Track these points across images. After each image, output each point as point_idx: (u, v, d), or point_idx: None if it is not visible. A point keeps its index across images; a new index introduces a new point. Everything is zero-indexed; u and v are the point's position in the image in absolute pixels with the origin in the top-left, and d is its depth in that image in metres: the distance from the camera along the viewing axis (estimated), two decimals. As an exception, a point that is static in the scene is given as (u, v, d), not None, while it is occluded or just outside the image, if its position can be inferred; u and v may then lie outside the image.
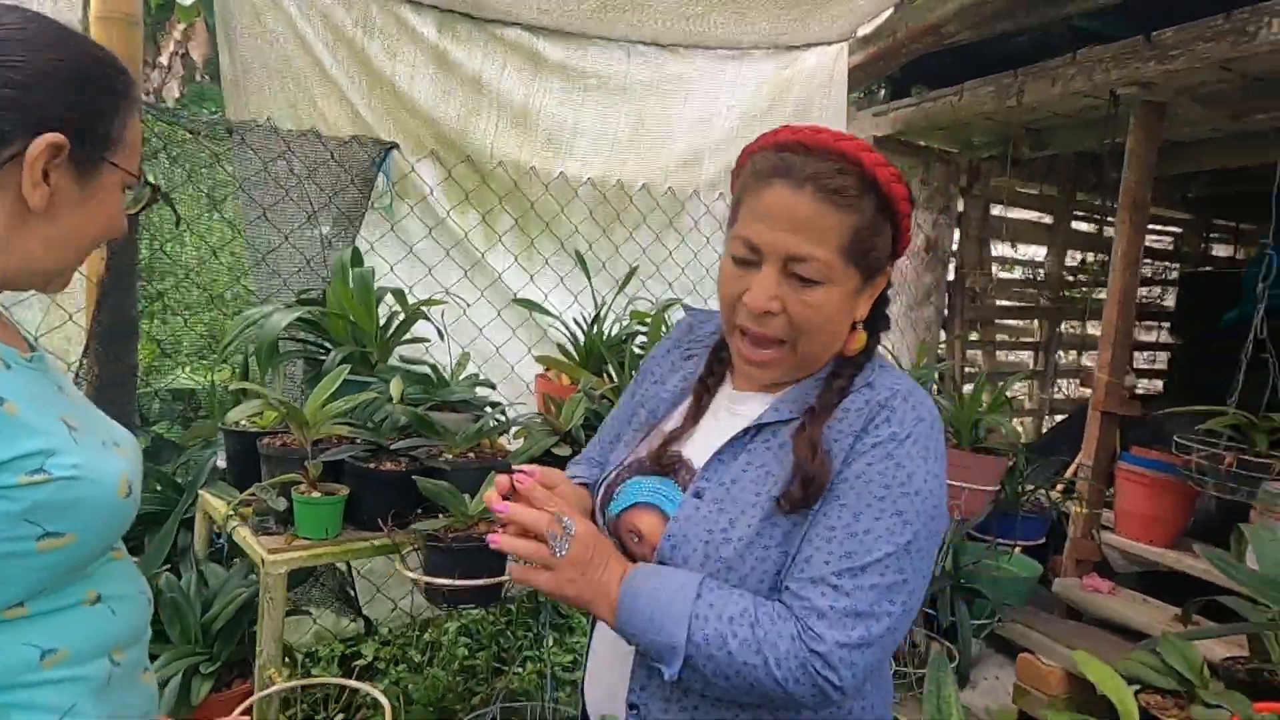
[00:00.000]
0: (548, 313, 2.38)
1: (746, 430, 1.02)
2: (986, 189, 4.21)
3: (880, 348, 1.10)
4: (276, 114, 2.15)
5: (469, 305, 2.52)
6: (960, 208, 4.17)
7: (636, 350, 2.34)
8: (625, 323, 2.43)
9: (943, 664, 0.89)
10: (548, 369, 2.32)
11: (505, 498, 0.97)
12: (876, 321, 1.06)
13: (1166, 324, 5.04)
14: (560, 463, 1.77)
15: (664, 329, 2.39)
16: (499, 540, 0.95)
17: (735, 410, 1.07)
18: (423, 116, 2.41)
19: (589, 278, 2.55)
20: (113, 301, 1.89)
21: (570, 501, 1.05)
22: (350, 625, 2.39)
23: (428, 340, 2.25)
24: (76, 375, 1.91)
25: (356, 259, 2.11)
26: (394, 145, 2.35)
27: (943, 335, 4.19)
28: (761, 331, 0.97)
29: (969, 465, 2.67)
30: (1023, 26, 3.28)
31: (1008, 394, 2.88)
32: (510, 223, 2.64)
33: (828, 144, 0.95)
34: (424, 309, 2.17)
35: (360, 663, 2.57)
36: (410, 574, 1.51)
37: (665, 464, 1.05)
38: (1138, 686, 1.27)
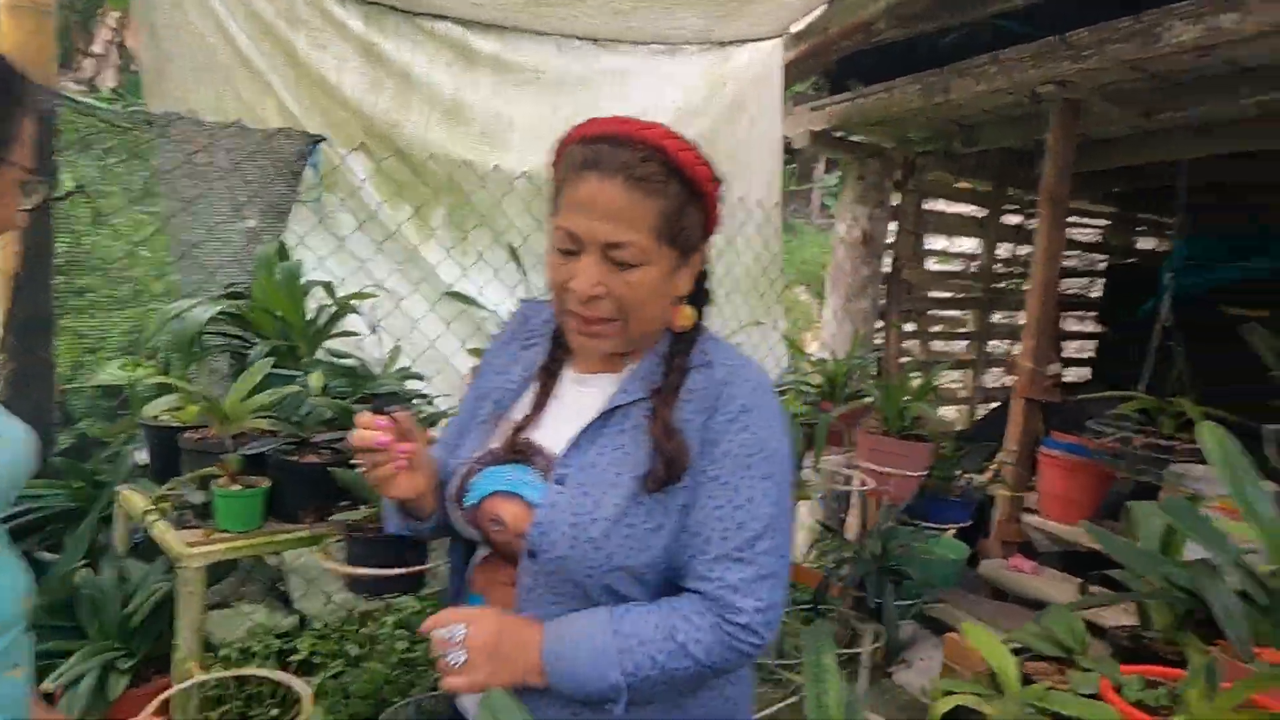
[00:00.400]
0: (480, 306, 2.40)
1: (600, 415, 1.06)
2: (921, 183, 4.32)
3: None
4: (200, 106, 2.13)
5: (402, 299, 2.52)
6: (895, 202, 4.27)
7: None
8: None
9: (825, 631, 0.94)
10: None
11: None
12: (699, 296, 1.12)
13: (1094, 314, 5.23)
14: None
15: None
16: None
17: (581, 393, 1.11)
18: (352, 109, 2.40)
19: (524, 271, 2.57)
20: (27, 296, 1.86)
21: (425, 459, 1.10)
22: (285, 621, 2.38)
23: (358, 334, 2.25)
24: (-9, 371, 1.87)
25: (283, 252, 2.10)
26: (322, 138, 2.34)
27: (880, 325, 4.29)
28: (591, 314, 1.01)
29: (897, 451, 2.75)
30: (949, 26, 3.37)
31: (940, 383, 2.98)
32: (444, 216, 2.64)
33: (633, 134, 1.00)
34: (354, 302, 2.17)
35: (296, 658, 2.56)
36: (331, 564, 1.52)
37: (519, 452, 1.08)
38: (1028, 654, 1.35)
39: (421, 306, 2.56)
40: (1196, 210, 4.74)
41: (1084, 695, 1.10)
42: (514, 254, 2.47)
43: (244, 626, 2.26)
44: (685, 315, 1.09)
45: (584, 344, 1.06)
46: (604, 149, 1.00)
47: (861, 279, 4.19)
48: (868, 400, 2.91)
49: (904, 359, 4.49)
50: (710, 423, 1.03)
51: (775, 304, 3.73)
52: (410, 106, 2.48)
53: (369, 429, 1.02)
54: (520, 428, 1.10)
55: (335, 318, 2.13)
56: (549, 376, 1.13)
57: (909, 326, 4.46)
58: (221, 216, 2.18)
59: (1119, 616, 2.11)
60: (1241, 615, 1.16)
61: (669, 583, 1.05)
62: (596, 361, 1.11)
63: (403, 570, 1.50)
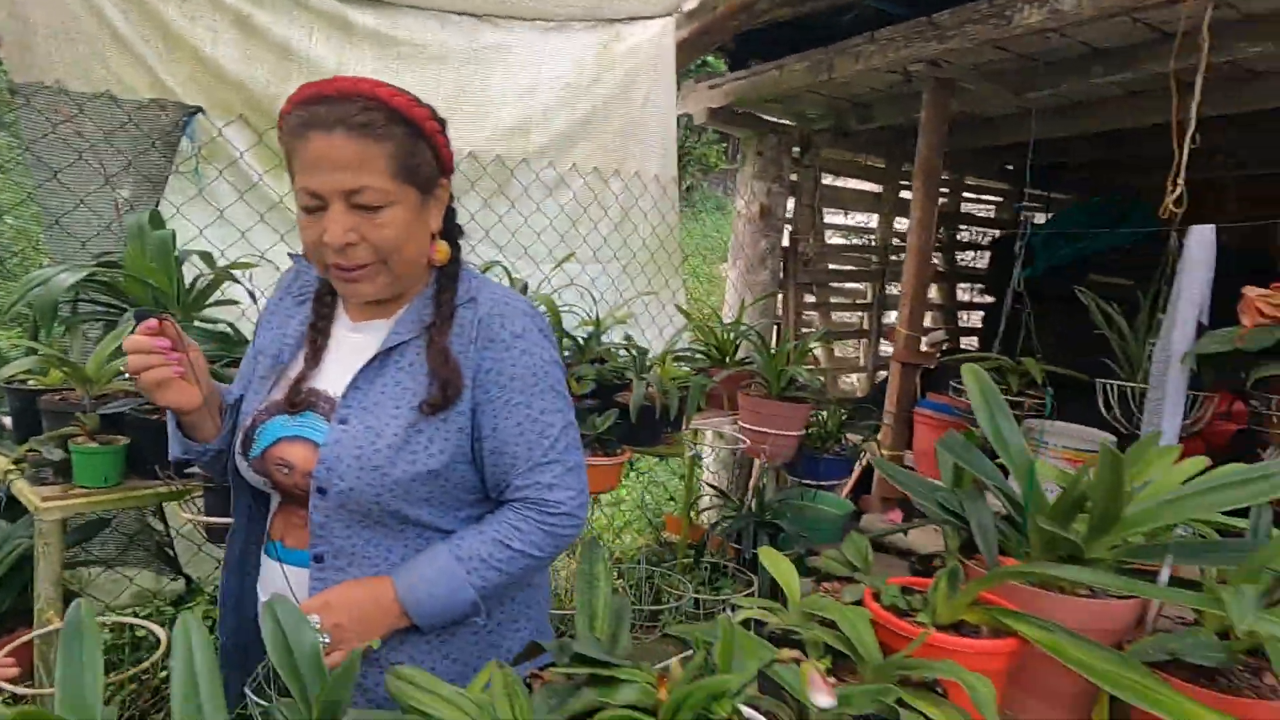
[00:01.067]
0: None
1: (376, 357, 1.16)
2: (818, 159, 4.48)
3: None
4: (65, 76, 2.14)
5: (282, 266, 2.56)
6: (794, 177, 4.42)
7: None
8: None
9: (595, 545, 1.06)
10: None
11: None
12: (452, 231, 1.23)
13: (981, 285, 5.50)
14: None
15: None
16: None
17: (357, 340, 1.21)
18: (229, 82, 2.43)
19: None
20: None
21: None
22: (171, 585, 2.43)
23: (239, 303, 2.30)
24: None
25: (156, 221, 2.13)
26: (198, 109, 2.36)
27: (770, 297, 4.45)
28: (349, 262, 1.11)
29: (776, 412, 2.91)
30: (835, 5, 3.51)
31: (840, 352, 3.13)
32: (329, 188, 2.69)
33: (345, 89, 1.08)
34: (235, 271, 2.22)
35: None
36: (188, 516, 1.60)
37: (301, 401, 1.17)
38: (824, 576, 1.50)
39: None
40: (1074, 185, 5.01)
41: (849, 603, 1.25)
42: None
43: (128, 590, 2.31)
44: (442, 250, 1.19)
45: (352, 292, 1.15)
46: (320, 109, 1.07)
47: (760, 251, 4.35)
48: (752, 366, 3.06)
49: (806, 329, 4.67)
50: (486, 354, 1.15)
51: (674, 275, 3.86)
52: (290, 79, 2.51)
53: (150, 330, 1.09)
54: (300, 379, 1.19)
55: (212, 286, 2.18)
56: (323, 328, 1.22)
57: (810, 298, 4.63)
58: (94, 186, 2.20)
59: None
60: (992, 530, 1.32)
61: (457, 501, 1.16)
62: (368, 309, 1.21)
63: (256, 519, 1.58)
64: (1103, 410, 2.53)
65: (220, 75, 2.41)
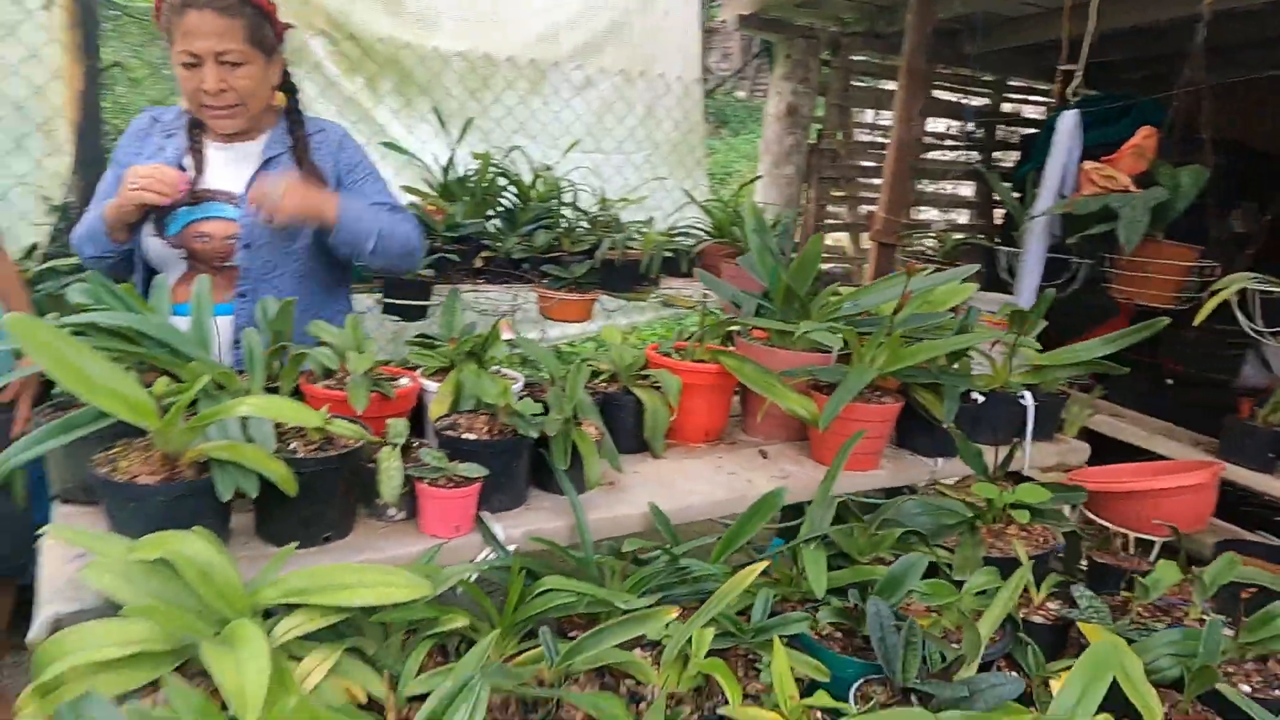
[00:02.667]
0: (405, 152, 3.23)
1: (266, 161, 1.83)
2: (847, 61, 4.84)
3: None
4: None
5: (357, 150, 3.37)
6: (823, 78, 4.81)
7: (484, 186, 3.18)
8: (471, 165, 3.27)
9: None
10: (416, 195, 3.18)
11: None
12: (287, 84, 1.90)
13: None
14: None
15: (492, 168, 3.22)
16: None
17: (228, 155, 1.84)
18: (312, 4, 3.20)
19: (446, 130, 3.38)
20: (86, 139, 2.79)
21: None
22: None
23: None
24: None
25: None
26: (289, 25, 3.15)
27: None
28: (220, 103, 1.75)
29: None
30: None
31: (858, 241, 3.55)
32: (392, 86, 3.46)
33: None
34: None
35: None
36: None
37: (202, 195, 1.81)
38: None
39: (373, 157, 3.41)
40: (1121, 84, 5.09)
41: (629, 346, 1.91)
42: (439, 115, 3.27)
43: None
44: (279, 97, 1.89)
45: (222, 124, 1.79)
46: None
47: (785, 148, 4.81)
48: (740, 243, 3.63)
49: (831, 221, 5.13)
50: (340, 161, 1.90)
51: (696, 167, 4.43)
52: (356, 1, 3.26)
53: (176, 175, 1.74)
54: (192, 182, 1.82)
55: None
56: (198, 149, 1.84)
57: (837, 193, 5.06)
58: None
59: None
60: (750, 303, 1.92)
61: (322, 243, 1.86)
62: (232, 136, 1.85)
63: None
64: (1002, 274, 2.98)
65: (307, 1, 3.19)
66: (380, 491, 1.22)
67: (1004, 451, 1.74)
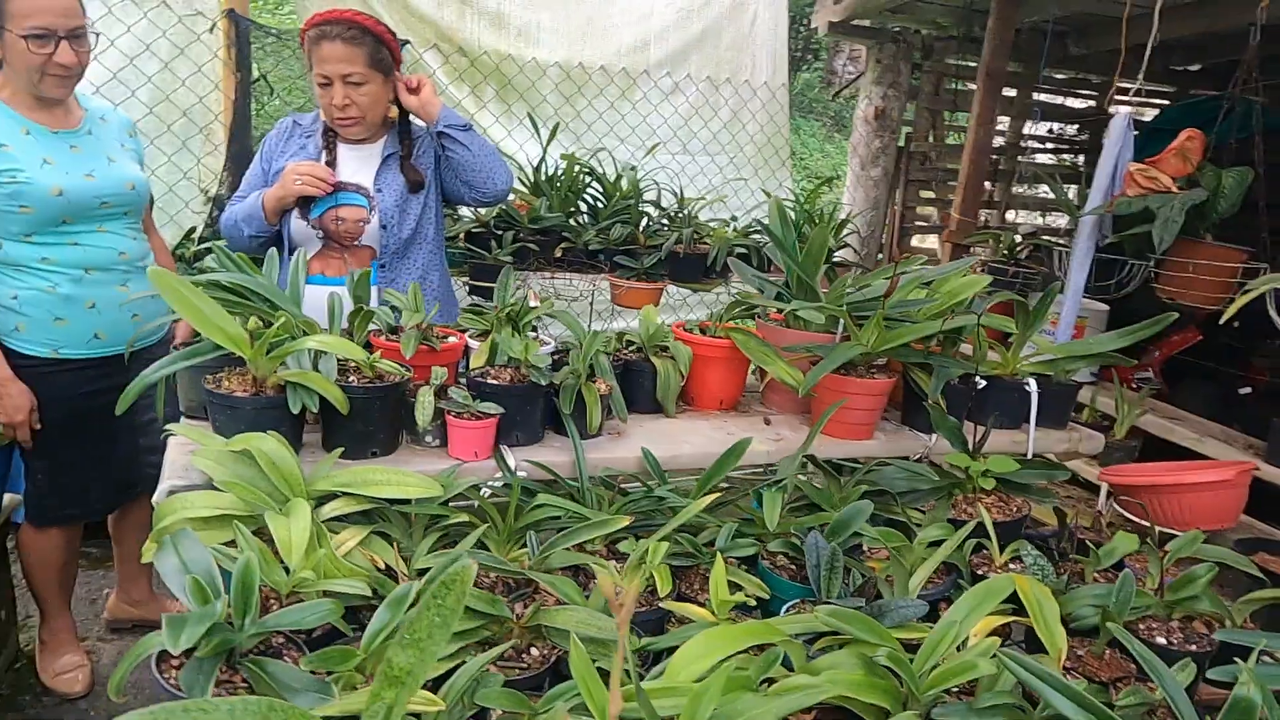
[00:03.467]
0: (501, 153, 3.61)
1: (385, 158, 2.23)
2: (940, 64, 4.89)
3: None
4: (329, 23, 3.45)
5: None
6: (915, 81, 4.89)
7: (569, 183, 3.51)
8: (559, 164, 3.61)
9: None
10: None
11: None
12: (398, 101, 2.24)
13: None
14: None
15: (579, 169, 3.54)
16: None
17: (357, 154, 2.24)
18: (427, 22, 3.64)
19: (539, 133, 3.73)
20: (237, 139, 3.31)
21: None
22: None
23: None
24: None
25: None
26: (406, 41, 3.60)
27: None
28: (345, 116, 2.15)
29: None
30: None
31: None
32: (493, 93, 3.86)
33: (340, 15, 2.07)
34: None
35: None
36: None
37: (339, 187, 2.20)
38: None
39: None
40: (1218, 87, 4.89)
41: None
42: (533, 120, 3.64)
43: None
44: (392, 111, 2.26)
45: (349, 132, 2.21)
46: (328, 26, 2.08)
47: (874, 150, 4.92)
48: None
49: (921, 223, 5.18)
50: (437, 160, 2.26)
51: (780, 168, 4.62)
52: (465, 18, 3.67)
53: (326, 172, 2.20)
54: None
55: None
56: (332, 149, 2.25)
57: (928, 194, 5.11)
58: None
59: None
60: (770, 289, 2.14)
61: (439, 223, 2.27)
62: (358, 140, 2.25)
63: None
64: (1056, 273, 3.03)
65: (421, 18, 3.63)
66: (416, 419, 1.54)
67: (982, 431, 1.89)
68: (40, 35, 1.98)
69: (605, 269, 3.35)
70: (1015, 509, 1.80)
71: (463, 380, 1.74)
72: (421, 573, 1.34)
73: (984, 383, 2.06)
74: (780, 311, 2.10)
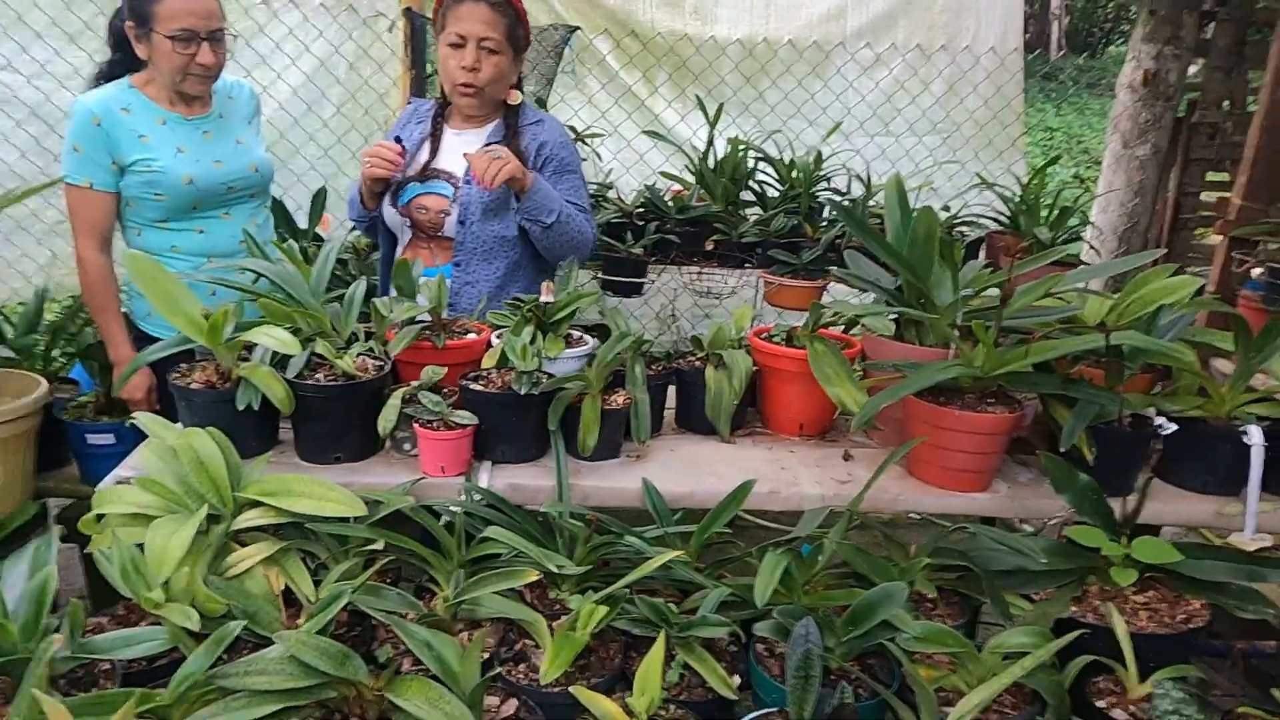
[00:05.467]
0: (666, 139, 3.38)
1: (487, 146, 2.01)
2: (1245, 11, 3.84)
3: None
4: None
5: (631, 139, 3.62)
6: (1204, 37, 3.89)
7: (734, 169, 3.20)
8: (727, 148, 3.30)
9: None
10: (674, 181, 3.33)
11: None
12: (520, 83, 2.05)
13: None
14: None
15: (745, 152, 3.21)
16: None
17: (460, 140, 2.08)
18: (597, 5, 3.50)
19: (707, 116, 3.46)
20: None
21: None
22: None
23: (585, 159, 3.42)
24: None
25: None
26: (577, 28, 3.50)
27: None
28: (470, 80, 1.97)
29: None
30: None
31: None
32: (666, 77, 3.64)
33: None
34: (587, 136, 3.34)
35: None
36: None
37: (430, 174, 2.08)
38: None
39: (647, 143, 3.62)
40: None
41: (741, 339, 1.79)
42: (701, 104, 3.36)
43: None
44: (514, 95, 2.04)
45: (467, 103, 2.04)
46: None
47: (1141, 123, 3.99)
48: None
49: (1205, 214, 4.13)
50: (545, 153, 2.06)
51: (1010, 148, 3.90)
52: (636, 3, 3.49)
53: (392, 149, 2.08)
54: (427, 163, 2.11)
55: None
56: (438, 135, 2.12)
57: (1216, 176, 4.06)
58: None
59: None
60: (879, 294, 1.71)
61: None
62: (466, 122, 2.10)
63: None
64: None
65: (592, 2, 3.50)
66: (379, 425, 1.37)
67: (1135, 499, 1.33)
68: (184, 37, 2.10)
69: (755, 264, 2.99)
70: (1183, 617, 1.24)
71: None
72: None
73: (1172, 426, 1.47)
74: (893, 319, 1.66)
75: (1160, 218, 4.04)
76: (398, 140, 2.09)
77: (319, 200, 2.95)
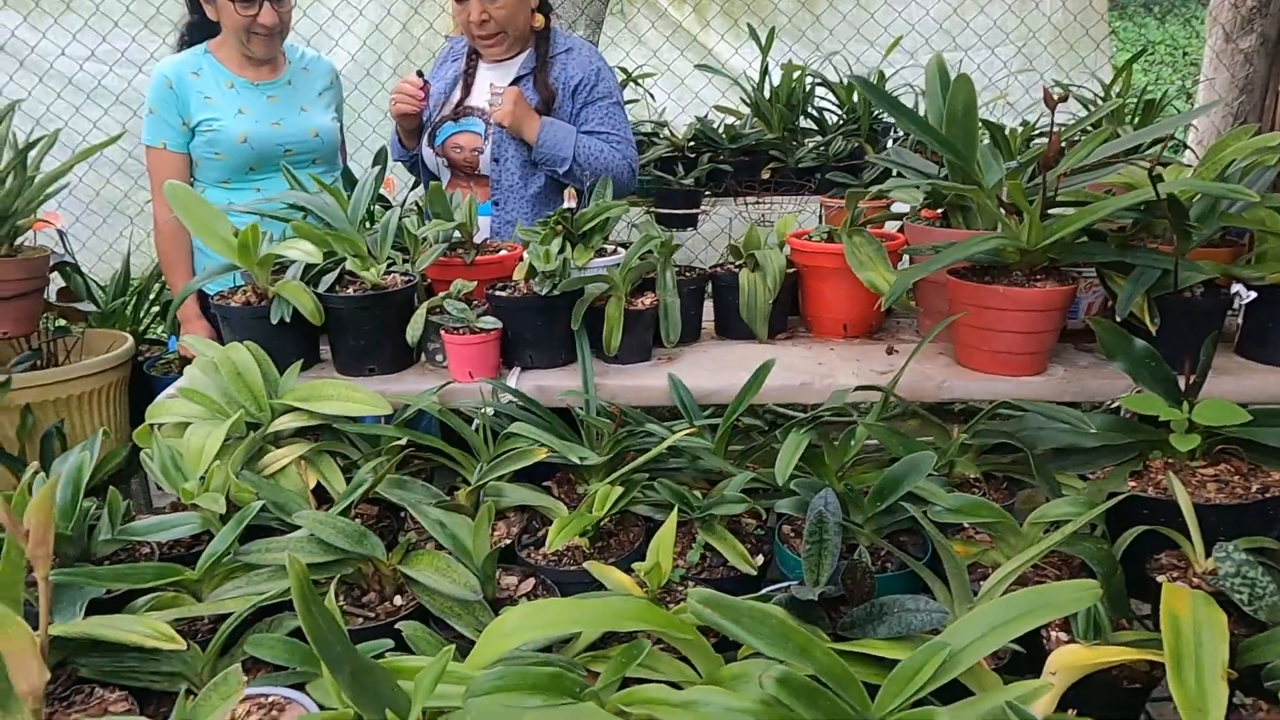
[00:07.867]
0: (719, 71, 3.30)
1: (518, 78, 2.01)
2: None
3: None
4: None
5: (685, 77, 3.55)
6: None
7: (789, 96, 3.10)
8: (780, 75, 3.19)
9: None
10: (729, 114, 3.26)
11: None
12: (544, 5, 2.00)
13: None
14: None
15: (800, 77, 3.10)
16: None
17: (494, 74, 2.05)
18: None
19: (758, 41, 3.35)
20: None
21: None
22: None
23: (637, 100, 3.38)
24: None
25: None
26: (622, -35, 3.44)
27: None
28: (483, 33, 1.95)
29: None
30: None
31: None
32: (717, 9, 3.54)
33: None
34: (637, 78, 3.29)
35: None
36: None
37: (462, 111, 2.07)
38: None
39: (701, 79, 3.55)
40: None
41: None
42: (753, 32, 3.26)
43: None
44: (538, 19, 2.00)
45: (491, 50, 2.03)
46: None
47: (1247, 10, 3.63)
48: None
49: (1326, 106, 3.73)
50: (577, 79, 2.01)
51: (1094, 52, 3.63)
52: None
53: (414, 84, 2.10)
54: (461, 100, 2.10)
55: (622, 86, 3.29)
56: (471, 72, 2.10)
57: (1338, 64, 3.66)
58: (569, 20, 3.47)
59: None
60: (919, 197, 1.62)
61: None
62: (498, 56, 2.06)
63: None
64: None
65: (638, -63, 3.43)
66: (408, 333, 1.39)
67: (1202, 364, 1.21)
68: None
69: (814, 189, 2.89)
70: (1254, 488, 1.13)
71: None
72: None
73: (1251, 294, 1.34)
74: (928, 207, 1.57)
75: (1269, 115, 3.69)
76: (419, 75, 2.10)
77: (380, 161, 3.01)
